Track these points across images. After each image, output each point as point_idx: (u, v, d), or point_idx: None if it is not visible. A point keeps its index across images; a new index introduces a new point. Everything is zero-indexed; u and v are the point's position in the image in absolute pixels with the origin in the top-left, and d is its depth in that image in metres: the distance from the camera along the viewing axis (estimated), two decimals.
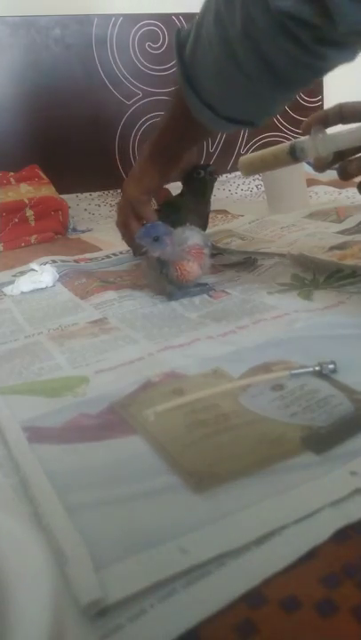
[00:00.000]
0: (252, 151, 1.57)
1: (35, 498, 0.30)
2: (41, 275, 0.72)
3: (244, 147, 1.59)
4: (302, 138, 0.56)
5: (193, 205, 0.77)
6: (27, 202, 1.08)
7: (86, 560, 0.25)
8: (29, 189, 1.12)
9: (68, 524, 0.28)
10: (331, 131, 0.54)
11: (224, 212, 1.13)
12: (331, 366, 0.40)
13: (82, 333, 0.53)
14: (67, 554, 0.26)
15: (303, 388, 0.39)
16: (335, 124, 0.55)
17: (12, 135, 1.32)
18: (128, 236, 0.74)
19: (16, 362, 0.48)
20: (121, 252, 0.87)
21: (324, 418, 0.35)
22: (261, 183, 1.32)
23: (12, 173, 1.16)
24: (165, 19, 1.44)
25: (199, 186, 0.77)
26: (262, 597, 0.24)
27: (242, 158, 0.64)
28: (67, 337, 0.52)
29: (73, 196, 1.31)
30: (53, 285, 0.72)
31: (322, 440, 0.33)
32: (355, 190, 1.20)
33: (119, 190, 1.39)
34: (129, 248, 0.88)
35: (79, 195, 1.34)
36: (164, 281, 0.60)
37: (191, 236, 0.60)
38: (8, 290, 0.70)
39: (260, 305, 0.56)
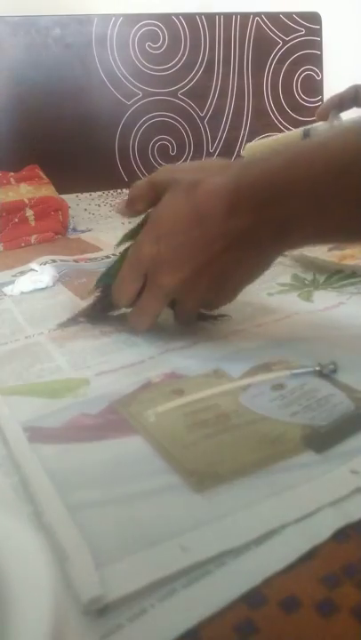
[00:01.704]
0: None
1: (35, 496, 0.30)
2: (41, 274, 0.72)
3: (245, 146, 1.59)
4: (317, 124, 0.54)
5: None
6: (27, 202, 1.08)
7: (87, 557, 0.25)
8: (29, 189, 1.12)
9: (69, 521, 0.28)
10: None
11: None
12: (331, 366, 0.40)
13: (82, 335, 0.53)
14: (67, 551, 0.26)
15: (303, 387, 0.39)
16: (350, 107, 0.52)
17: (11, 135, 1.32)
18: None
19: (16, 363, 0.48)
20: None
21: (325, 416, 0.36)
22: None
23: (12, 173, 1.16)
24: (165, 19, 1.44)
25: None
26: (262, 597, 0.24)
27: (247, 146, 0.58)
28: (67, 339, 0.52)
29: (73, 195, 1.31)
30: (53, 285, 0.72)
31: (322, 439, 0.33)
32: None
33: (119, 190, 1.40)
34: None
35: (79, 195, 1.34)
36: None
37: None
38: (8, 290, 0.70)
39: (260, 308, 0.55)
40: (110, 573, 0.25)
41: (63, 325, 0.55)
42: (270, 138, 0.56)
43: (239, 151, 1.58)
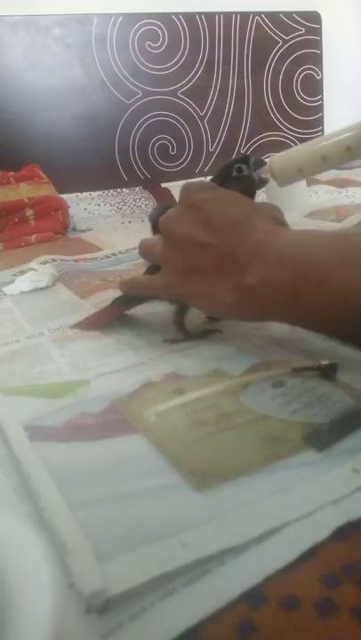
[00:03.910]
0: (253, 151, 1.57)
1: (36, 492, 0.30)
2: (41, 274, 0.72)
3: (245, 146, 1.59)
4: None
5: None
6: (26, 201, 1.08)
7: (89, 551, 0.25)
8: (29, 189, 1.12)
9: (70, 517, 0.28)
10: None
11: None
12: (331, 366, 0.40)
13: (83, 337, 0.53)
14: (69, 545, 0.26)
15: (304, 385, 0.39)
16: None
17: (11, 135, 1.32)
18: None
19: (17, 364, 0.48)
20: (120, 252, 0.87)
21: (326, 413, 0.36)
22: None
23: (11, 173, 1.17)
24: (165, 18, 1.44)
25: (242, 189, 0.48)
26: (262, 596, 0.24)
27: (276, 161, 0.46)
28: (68, 339, 0.52)
29: (73, 195, 1.31)
30: (53, 285, 0.72)
31: (323, 437, 0.33)
32: (355, 190, 1.20)
33: (119, 189, 1.40)
34: (129, 247, 0.88)
35: (79, 194, 1.34)
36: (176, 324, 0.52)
37: None
38: (8, 289, 0.70)
39: None
40: (111, 569, 0.25)
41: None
42: (309, 144, 0.48)
43: (239, 150, 1.58)
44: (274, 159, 0.48)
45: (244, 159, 0.49)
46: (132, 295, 0.54)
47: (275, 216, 0.46)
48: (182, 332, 0.50)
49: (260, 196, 1.26)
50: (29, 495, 0.30)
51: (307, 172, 0.48)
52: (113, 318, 0.55)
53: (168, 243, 0.47)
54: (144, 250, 0.51)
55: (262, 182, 0.49)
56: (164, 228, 0.47)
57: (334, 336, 0.41)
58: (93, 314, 0.57)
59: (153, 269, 0.51)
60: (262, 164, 0.49)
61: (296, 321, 0.42)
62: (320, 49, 1.65)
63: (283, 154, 0.48)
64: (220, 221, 0.44)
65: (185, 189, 0.47)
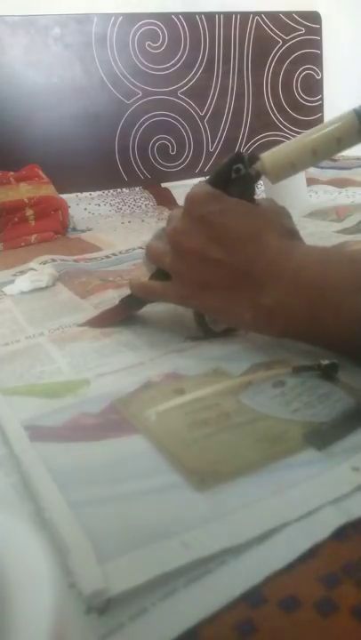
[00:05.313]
0: (253, 151, 1.57)
1: (36, 492, 0.30)
2: (41, 274, 0.72)
3: (245, 146, 1.59)
4: None
5: None
6: (26, 201, 1.08)
7: (89, 551, 0.25)
8: (29, 189, 1.12)
9: (70, 517, 0.28)
10: None
11: None
12: (331, 366, 0.40)
13: (83, 337, 0.53)
14: (69, 545, 0.26)
15: (304, 384, 0.39)
16: None
17: (11, 135, 1.32)
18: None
19: (17, 364, 0.48)
20: (120, 252, 0.87)
21: (326, 413, 0.36)
22: (261, 182, 1.32)
23: (11, 173, 1.16)
24: (165, 18, 1.44)
25: (244, 188, 0.46)
26: (262, 597, 0.24)
27: (268, 158, 0.46)
28: (68, 340, 0.52)
29: (73, 195, 1.31)
30: (53, 285, 0.72)
31: (324, 436, 0.33)
32: (355, 190, 1.20)
33: (119, 189, 1.40)
34: (129, 247, 0.88)
35: (79, 194, 1.34)
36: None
37: None
38: (8, 289, 0.70)
39: None
40: (112, 569, 0.25)
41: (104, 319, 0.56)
42: (297, 140, 0.47)
43: (240, 150, 1.58)
44: (265, 156, 0.47)
45: (239, 158, 0.47)
46: (141, 297, 0.54)
47: (285, 226, 0.46)
48: (204, 331, 0.50)
49: (260, 196, 1.25)
50: (30, 495, 0.30)
51: (299, 167, 0.47)
52: (123, 317, 0.55)
53: (178, 256, 0.46)
54: (152, 257, 0.51)
55: (258, 176, 0.48)
56: (173, 241, 0.47)
57: (354, 357, 0.41)
58: (101, 312, 0.57)
59: (159, 274, 0.51)
60: (256, 159, 0.47)
61: (314, 342, 0.43)
62: (320, 49, 1.65)
63: (273, 150, 0.47)
64: (230, 237, 0.43)
65: (191, 200, 0.46)
